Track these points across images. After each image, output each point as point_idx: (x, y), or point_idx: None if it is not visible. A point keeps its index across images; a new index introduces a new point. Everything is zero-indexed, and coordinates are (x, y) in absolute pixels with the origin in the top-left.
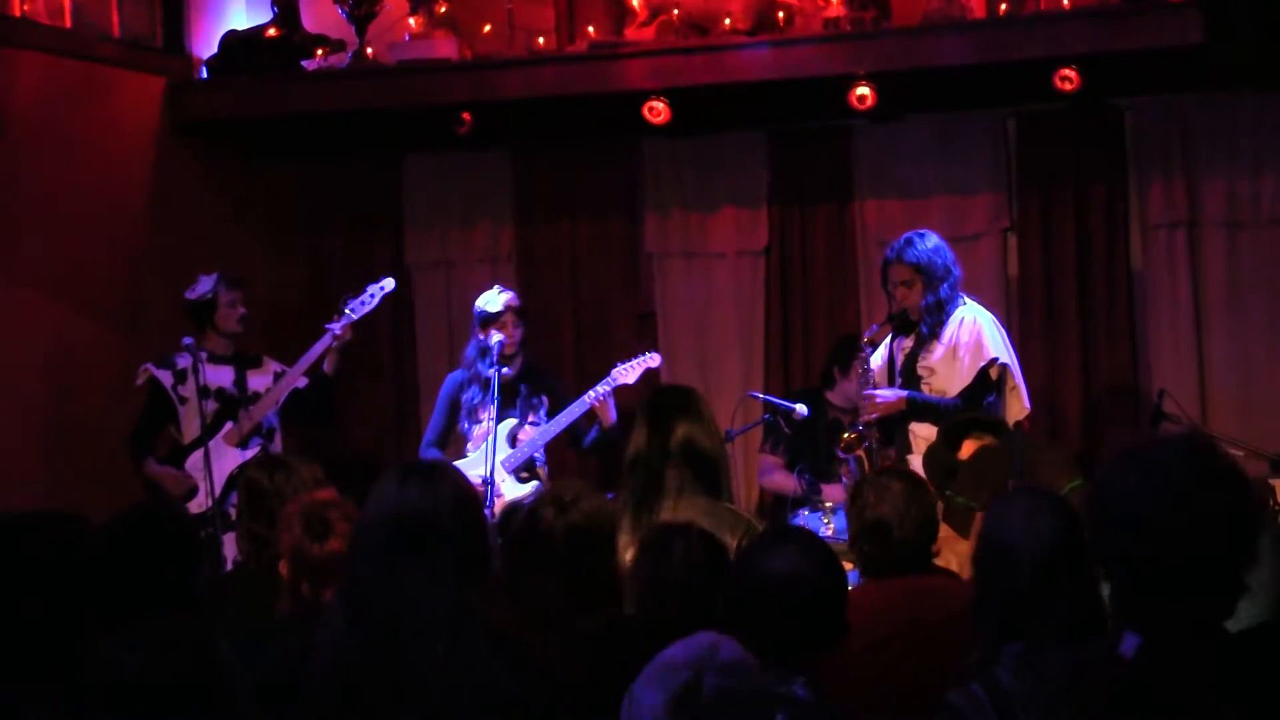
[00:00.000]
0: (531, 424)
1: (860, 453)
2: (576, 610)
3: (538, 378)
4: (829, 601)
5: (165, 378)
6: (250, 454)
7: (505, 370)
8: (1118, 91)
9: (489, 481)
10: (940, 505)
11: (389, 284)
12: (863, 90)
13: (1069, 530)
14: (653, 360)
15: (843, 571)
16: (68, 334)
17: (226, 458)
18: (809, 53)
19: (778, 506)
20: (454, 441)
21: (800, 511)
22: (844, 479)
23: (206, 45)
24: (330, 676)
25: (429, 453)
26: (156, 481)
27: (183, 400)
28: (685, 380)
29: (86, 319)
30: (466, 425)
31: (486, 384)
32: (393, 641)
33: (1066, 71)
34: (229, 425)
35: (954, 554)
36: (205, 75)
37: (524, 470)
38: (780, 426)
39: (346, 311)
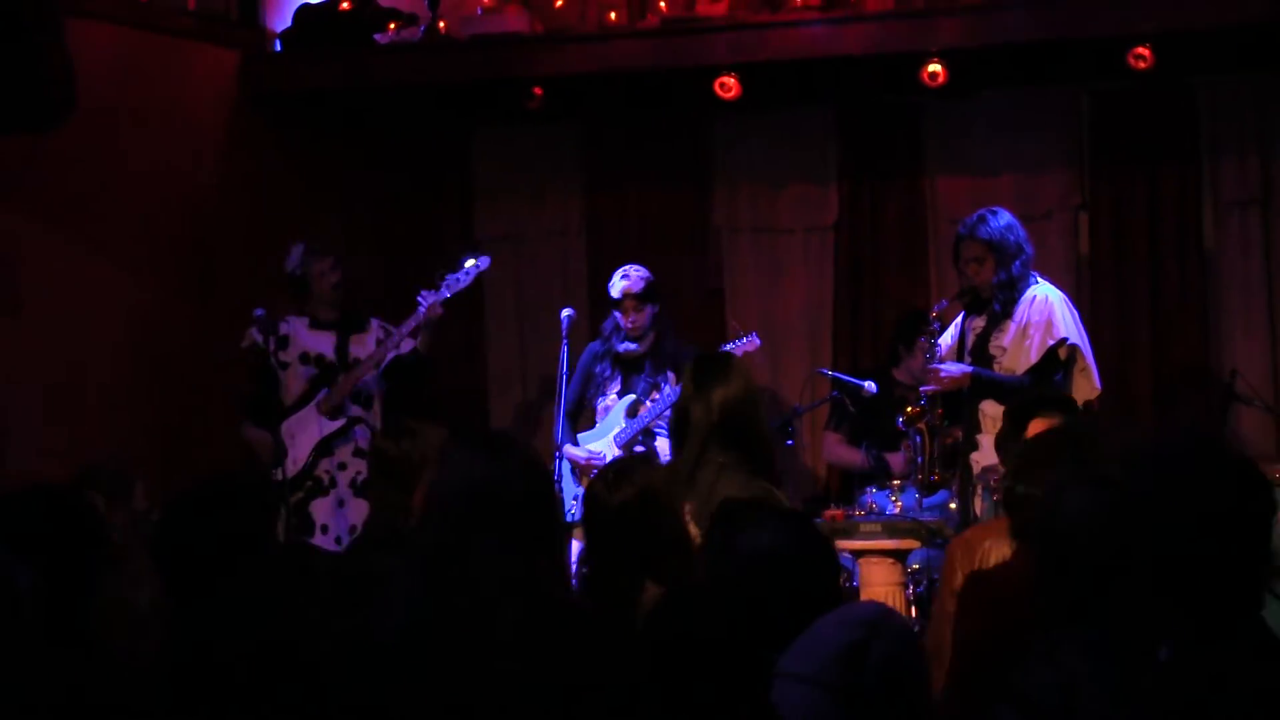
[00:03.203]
0: (653, 401)
1: (922, 426)
2: (648, 578)
3: (666, 354)
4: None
5: (269, 342)
6: (334, 425)
7: (631, 345)
8: (1191, 70)
9: (558, 456)
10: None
11: (484, 261)
12: (935, 67)
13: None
14: (753, 343)
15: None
16: (143, 306)
17: (313, 426)
18: (881, 29)
19: (845, 483)
20: (588, 413)
21: (868, 489)
22: (903, 452)
23: (281, 18)
24: (398, 644)
25: (562, 422)
26: (251, 445)
27: (283, 365)
28: (753, 357)
29: (161, 291)
30: (596, 398)
31: (616, 358)
32: (460, 610)
33: (1140, 50)
34: (322, 393)
35: None
36: (279, 48)
37: (638, 443)
38: (845, 405)
39: (441, 285)
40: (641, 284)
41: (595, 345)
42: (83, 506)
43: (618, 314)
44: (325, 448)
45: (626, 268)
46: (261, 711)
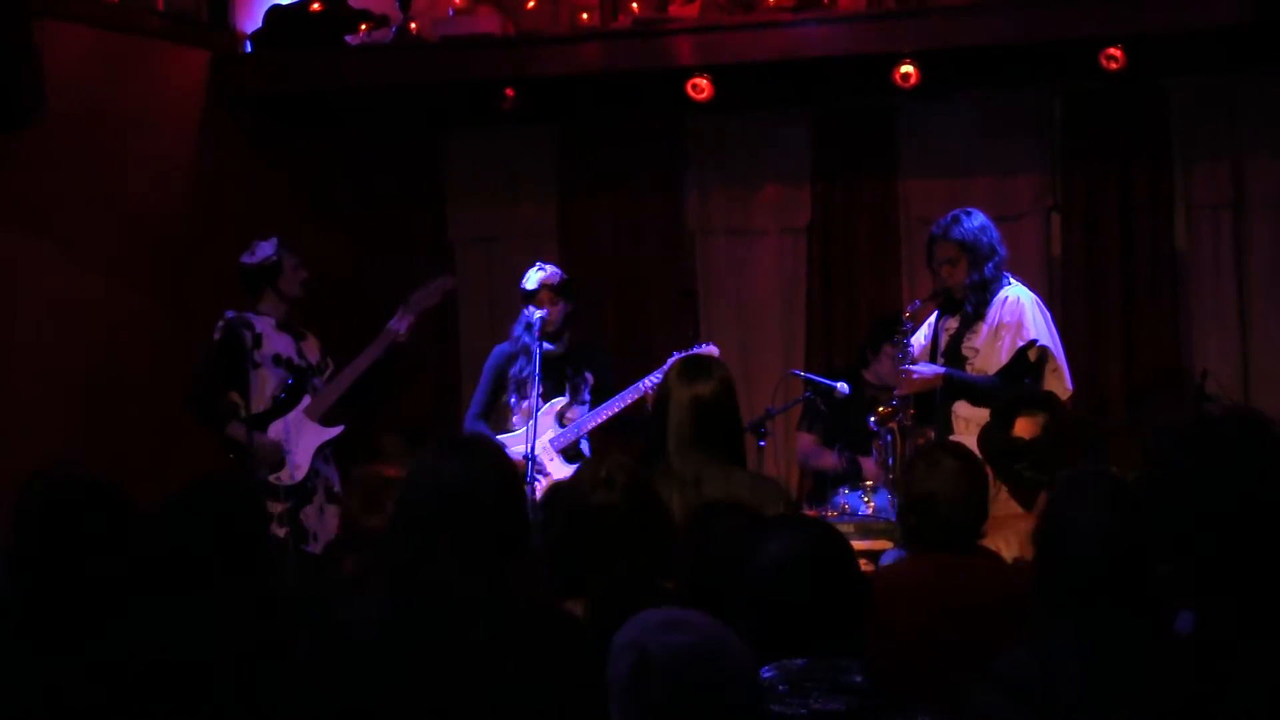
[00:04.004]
0: (580, 403)
1: (893, 426)
2: (649, 577)
3: (582, 356)
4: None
5: (248, 337)
6: (334, 431)
7: (548, 345)
8: (1164, 71)
9: (530, 458)
10: (1005, 480)
11: (447, 282)
12: (907, 68)
13: (1133, 513)
14: (710, 350)
15: (848, 550)
16: (113, 307)
17: (309, 431)
18: (854, 30)
19: (816, 486)
20: (498, 414)
21: (841, 490)
22: (875, 453)
23: (251, 19)
24: (369, 652)
25: (475, 425)
26: (244, 447)
27: (256, 365)
28: (726, 358)
29: (131, 292)
30: (514, 399)
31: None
32: (431, 618)
33: (1112, 51)
34: (307, 398)
35: (1015, 532)
36: (250, 49)
37: (570, 450)
38: (817, 405)
39: (411, 301)
40: (558, 277)
41: (504, 346)
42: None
43: (534, 309)
44: (320, 454)
45: (540, 263)
46: (260, 711)
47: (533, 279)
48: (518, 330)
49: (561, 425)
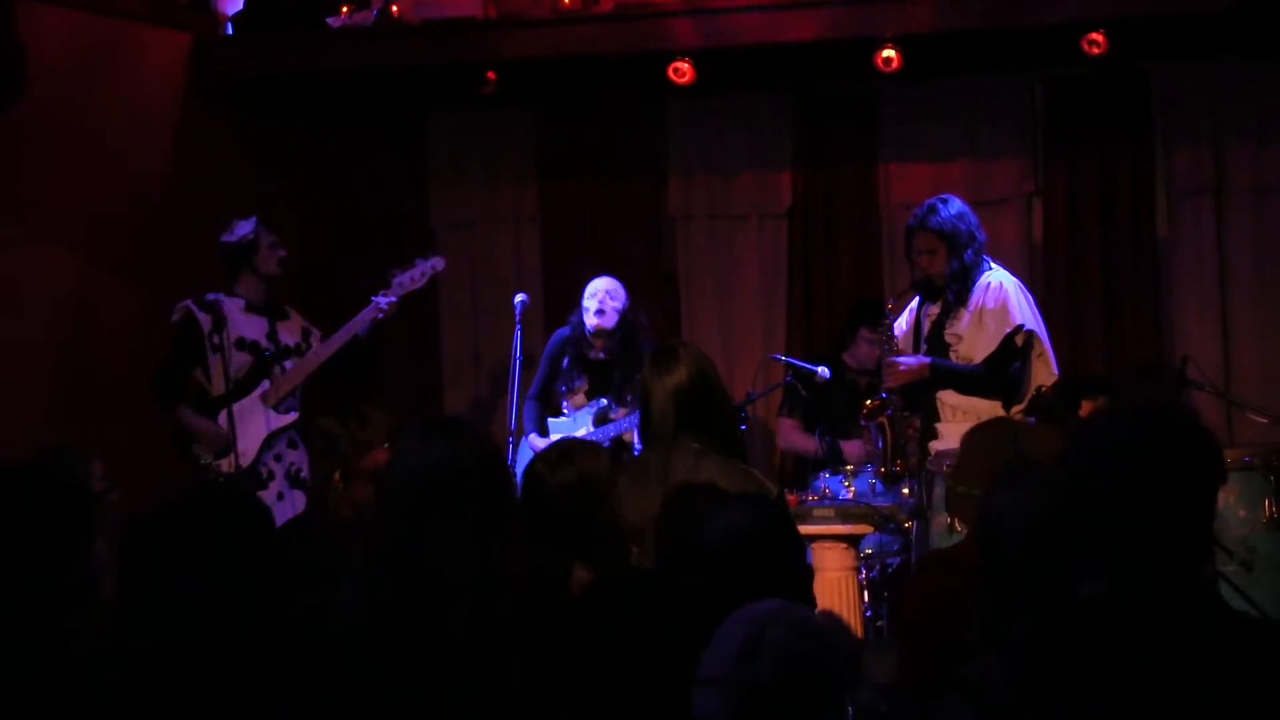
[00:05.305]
0: (625, 406)
1: (883, 419)
2: (577, 561)
3: (636, 359)
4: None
5: (205, 321)
6: (286, 418)
7: (598, 355)
8: (1145, 56)
9: (511, 443)
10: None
11: (439, 263)
12: (889, 53)
13: (1059, 506)
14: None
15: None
16: (92, 289)
17: (258, 417)
18: (835, 15)
19: (798, 469)
20: (553, 399)
21: (822, 474)
22: (863, 444)
23: (232, 1)
24: (356, 631)
25: (529, 405)
26: (190, 432)
27: (216, 349)
28: (707, 343)
29: (111, 275)
30: (563, 389)
31: (580, 357)
32: (416, 597)
33: (1094, 35)
34: (265, 384)
35: None
36: (231, 32)
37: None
38: (798, 390)
39: (393, 284)
40: (615, 317)
41: (564, 333)
42: (80, 484)
43: (585, 321)
44: (270, 441)
45: (599, 290)
46: (254, 693)
47: (590, 320)
48: (576, 322)
49: (596, 426)
